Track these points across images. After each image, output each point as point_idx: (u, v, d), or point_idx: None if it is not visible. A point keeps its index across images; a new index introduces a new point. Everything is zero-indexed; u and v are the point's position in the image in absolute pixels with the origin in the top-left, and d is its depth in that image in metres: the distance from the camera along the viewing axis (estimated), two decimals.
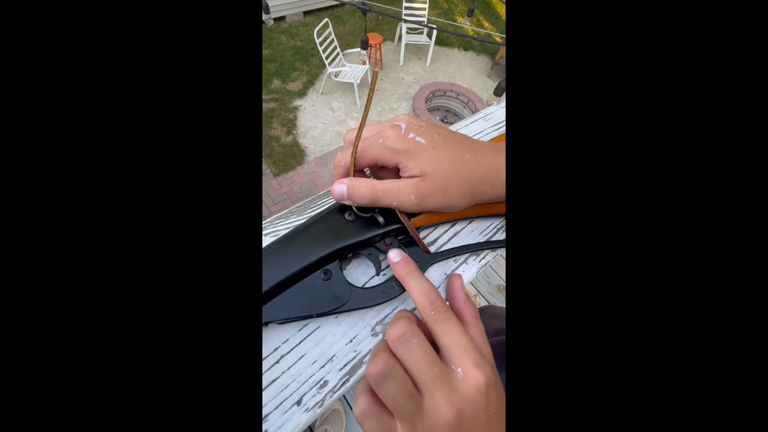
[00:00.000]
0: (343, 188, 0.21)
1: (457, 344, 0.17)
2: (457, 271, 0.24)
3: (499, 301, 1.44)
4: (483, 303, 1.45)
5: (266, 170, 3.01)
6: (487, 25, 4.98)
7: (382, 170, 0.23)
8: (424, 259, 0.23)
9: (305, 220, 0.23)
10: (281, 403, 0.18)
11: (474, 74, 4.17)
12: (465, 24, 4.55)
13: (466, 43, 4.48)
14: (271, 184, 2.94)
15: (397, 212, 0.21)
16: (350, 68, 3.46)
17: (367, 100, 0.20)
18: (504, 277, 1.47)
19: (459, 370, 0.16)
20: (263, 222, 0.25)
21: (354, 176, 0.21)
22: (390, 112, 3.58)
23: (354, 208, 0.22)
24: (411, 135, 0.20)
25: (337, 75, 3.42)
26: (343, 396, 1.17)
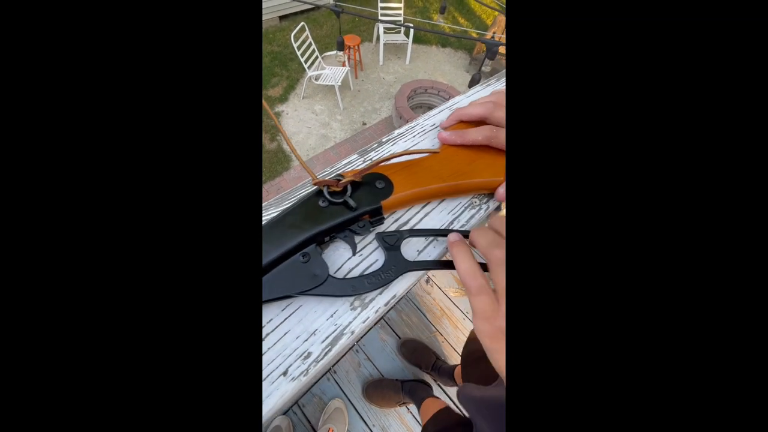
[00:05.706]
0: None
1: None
2: (422, 252, 0.26)
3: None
4: None
5: None
6: (462, 21, 5.05)
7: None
8: (404, 264, 0.23)
9: (281, 210, 0.24)
10: (268, 375, 0.19)
11: (453, 70, 4.23)
12: (438, 21, 4.61)
13: (443, 40, 4.54)
14: None
15: (285, 139, 0.22)
16: (330, 71, 3.46)
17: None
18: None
19: None
20: None
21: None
22: (373, 113, 3.60)
23: (326, 195, 0.24)
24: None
25: (317, 78, 3.42)
26: (345, 396, 1.17)
